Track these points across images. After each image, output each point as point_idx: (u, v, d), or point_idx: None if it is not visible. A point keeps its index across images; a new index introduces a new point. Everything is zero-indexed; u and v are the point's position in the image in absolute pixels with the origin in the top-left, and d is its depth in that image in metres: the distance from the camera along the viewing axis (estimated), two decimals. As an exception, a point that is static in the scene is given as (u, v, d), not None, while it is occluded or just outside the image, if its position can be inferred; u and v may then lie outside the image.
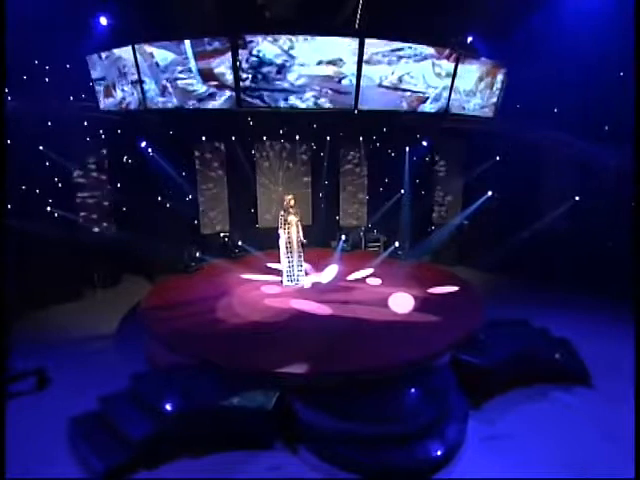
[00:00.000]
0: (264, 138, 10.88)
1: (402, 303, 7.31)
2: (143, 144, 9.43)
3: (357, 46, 4.62)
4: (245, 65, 4.65)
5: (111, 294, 9.29)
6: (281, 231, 8.20)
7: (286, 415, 4.73)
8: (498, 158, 10.19)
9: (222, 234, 10.69)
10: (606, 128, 8.66)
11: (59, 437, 4.71)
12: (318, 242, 10.95)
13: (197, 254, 9.42)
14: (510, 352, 5.90)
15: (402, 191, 11.25)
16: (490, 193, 10.35)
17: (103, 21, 7.08)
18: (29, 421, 5.00)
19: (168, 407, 4.49)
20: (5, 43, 6.12)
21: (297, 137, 11.07)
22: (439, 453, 4.46)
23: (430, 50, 5.09)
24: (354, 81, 4.76)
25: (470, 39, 7.50)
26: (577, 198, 9.31)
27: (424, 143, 10.82)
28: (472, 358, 5.68)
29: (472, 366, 5.59)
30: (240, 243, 10.52)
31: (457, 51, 5.21)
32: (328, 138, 11.10)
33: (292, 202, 8.21)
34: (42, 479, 4.23)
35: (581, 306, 8.23)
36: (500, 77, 6.16)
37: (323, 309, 7.06)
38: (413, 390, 5.06)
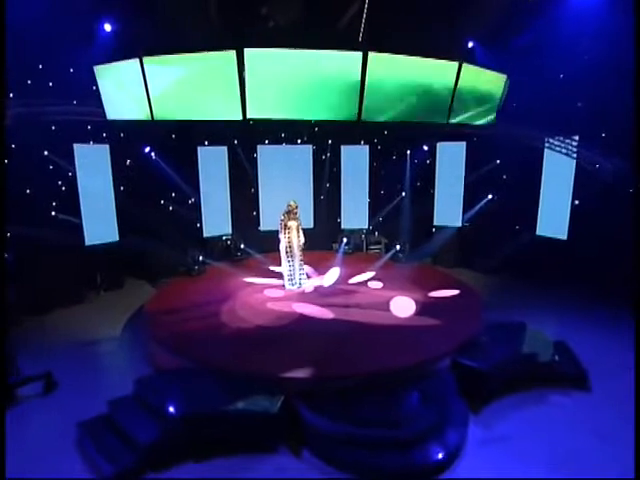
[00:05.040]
0: (266, 141, 10.96)
1: (403, 307, 7.40)
2: (147, 148, 9.50)
3: (360, 59, 4.71)
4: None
5: (115, 297, 9.35)
6: (281, 235, 8.30)
7: (290, 419, 4.82)
8: (498, 161, 10.29)
9: (224, 237, 10.76)
10: (603, 134, 8.74)
11: (67, 440, 4.78)
12: (320, 245, 11.05)
13: (200, 257, 9.50)
14: (509, 355, 5.99)
15: (403, 194, 11.35)
16: (490, 196, 10.44)
17: (107, 28, 7.18)
18: (37, 424, 5.10)
19: (173, 411, 4.57)
20: (5, 46, 6.20)
21: (299, 140, 11.15)
22: (440, 457, 4.55)
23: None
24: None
25: (471, 44, 7.60)
26: (577, 202, 9.38)
27: (425, 147, 10.90)
28: (472, 362, 5.77)
29: (472, 370, 5.67)
30: (242, 246, 10.60)
31: (460, 62, 5.28)
32: (330, 141, 11.18)
33: (296, 209, 8.31)
34: (42, 479, 4.30)
35: (579, 308, 8.28)
36: (501, 85, 6.23)
37: (325, 313, 7.14)
38: (415, 394, 5.14)
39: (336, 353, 5.77)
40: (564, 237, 9.61)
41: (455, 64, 5.24)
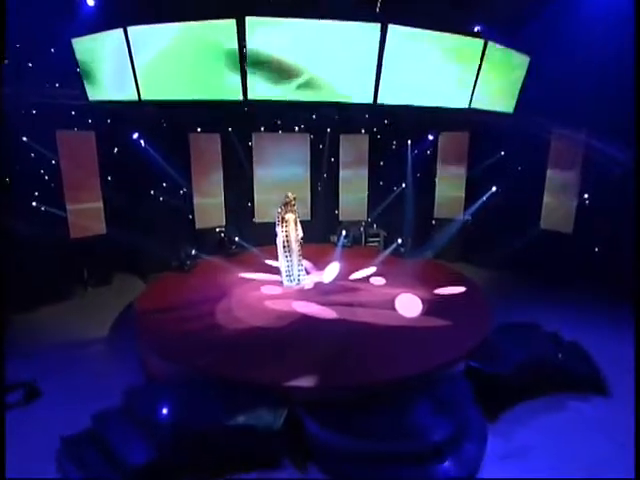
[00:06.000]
0: (262, 129, 10.44)
1: (409, 305, 7.03)
2: (135, 135, 8.95)
3: (378, 33, 4.18)
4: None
5: (103, 294, 8.86)
6: (278, 229, 7.87)
7: (295, 432, 4.42)
8: (503, 153, 9.90)
9: (218, 229, 10.28)
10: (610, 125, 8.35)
11: (45, 459, 4.31)
12: (317, 237, 10.62)
13: (192, 251, 9.01)
14: (524, 358, 5.63)
15: (403, 185, 10.95)
16: (494, 188, 10.08)
17: (90, 1, 6.57)
18: (16, 438, 4.62)
19: (166, 426, 4.15)
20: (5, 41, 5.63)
21: (296, 128, 10.64)
22: (456, 474, 4.20)
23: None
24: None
25: (477, 29, 7.14)
26: (586, 196, 9.04)
27: (430, 137, 10.53)
28: (486, 366, 5.42)
29: (487, 374, 5.32)
30: (237, 239, 10.13)
31: (484, 39, 4.78)
32: (328, 130, 10.68)
33: (293, 201, 7.86)
34: (42, 479, 4.03)
35: (585, 305, 7.98)
36: (524, 68, 5.74)
37: (327, 312, 6.74)
38: (428, 403, 4.77)
39: (342, 359, 5.37)
40: (569, 231, 9.33)
41: (480, 42, 4.75)
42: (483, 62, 4.85)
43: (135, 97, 4.99)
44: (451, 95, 5.06)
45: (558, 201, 9.42)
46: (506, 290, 8.94)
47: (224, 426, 4.21)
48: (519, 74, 5.73)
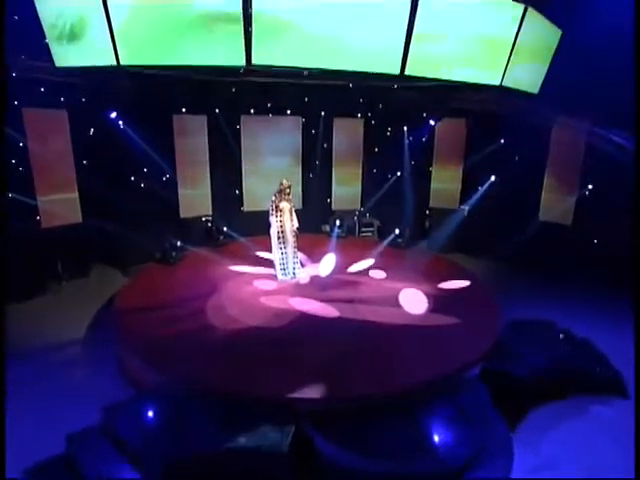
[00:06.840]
0: (251, 111, 9.77)
1: (414, 301, 6.62)
2: (113, 115, 8.18)
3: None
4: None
5: (79, 288, 8.14)
6: (272, 219, 7.30)
7: (303, 451, 3.91)
8: (502, 141, 9.50)
9: (204, 218, 9.63)
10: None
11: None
12: (309, 227, 10.06)
13: (178, 242, 8.35)
14: (540, 358, 5.25)
15: (399, 173, 10.48)
16: (493, 178, 9.70)
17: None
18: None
19: (154, 450, 3.58)
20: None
21: (288, 111, 10.00)
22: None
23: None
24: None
25: None
26: (589, 187, 8.72)
27: (430, 122, 10.03)
28: (502, 367, 5.02)
29: (505, 377, 4.91)
30: (225, 229, 9.50)
31: (526, 4, 4.18)
32: (323, 113, 10.08)
33: (288, 189, 7.28)
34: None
35: (583, 297, 7.67)
36: (555, 42, 5.19)
37: (328, 310, 6.24)
38: (448, 413, 4.32)
39: (350, 364, 4.89)
40: (568, 223, 9.04)
41: (520, 7, 4.16)
42: (520, 32, 4.27)
43: (113, 62, 4.20)
44: (486, 69, 4.46)
45: (557, 192, 9.11)
46: (504, 282, 8.64)
47: (223, 447, 3.66)
48: (550, 50, 5.17)
